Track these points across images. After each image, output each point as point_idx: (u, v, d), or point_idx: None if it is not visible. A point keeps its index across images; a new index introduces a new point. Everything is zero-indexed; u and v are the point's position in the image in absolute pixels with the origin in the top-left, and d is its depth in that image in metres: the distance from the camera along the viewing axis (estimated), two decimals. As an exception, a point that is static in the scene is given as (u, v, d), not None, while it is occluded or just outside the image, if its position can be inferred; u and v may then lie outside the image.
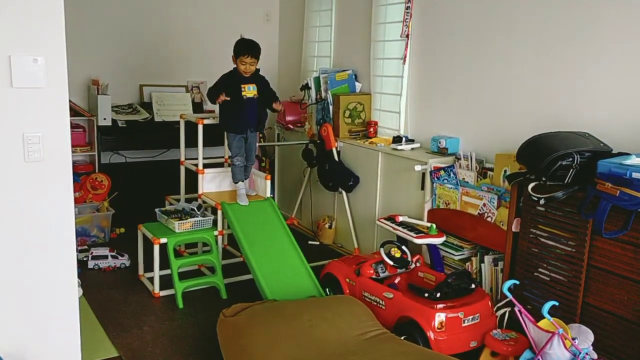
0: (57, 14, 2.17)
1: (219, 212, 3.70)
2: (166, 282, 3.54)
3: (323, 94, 4.49)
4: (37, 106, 2.20)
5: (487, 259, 3.24)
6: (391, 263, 3.18)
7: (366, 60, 4.42)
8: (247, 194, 3.79)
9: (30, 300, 2.34)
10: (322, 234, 4.56)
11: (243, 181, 3.80)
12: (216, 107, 3.99)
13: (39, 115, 2.21)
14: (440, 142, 3.66)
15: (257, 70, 3.72)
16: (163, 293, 3.53)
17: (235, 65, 3.66)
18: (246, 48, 3.61)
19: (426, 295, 2.85)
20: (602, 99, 2.89)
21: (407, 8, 3.97)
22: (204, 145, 3.89)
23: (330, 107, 4.39)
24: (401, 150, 3.81)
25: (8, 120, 2.17)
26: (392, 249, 3.27)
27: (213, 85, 3.74)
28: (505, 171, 3.17)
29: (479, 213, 3.28)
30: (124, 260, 3.96)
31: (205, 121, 3.86)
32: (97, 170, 4.58)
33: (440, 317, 2.71)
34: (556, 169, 2.58)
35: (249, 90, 3.67)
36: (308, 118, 4.68)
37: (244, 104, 3.65)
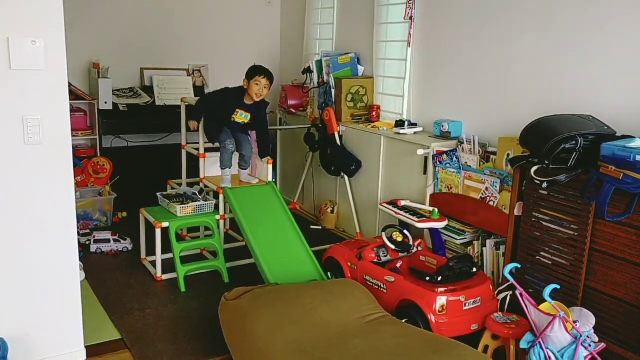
0: (55, -5, 2.15)
1: (221, 197, 3.69)
2: (168, 266, 3.55)
3: (325, 78, 4.46)
4: (37, 89, 2.19)
5: (489, 243, 3.23)
6: (393, 247, 3.18)
7: (369, 43, 4.38)
8: (248, 181, 3.78)
9: (32, 283, 2.35)
10: (324, 218, 4.56)
11: (229, 168, 3.68)
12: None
13: (39, 98, 2.20)
14: (443, 126, 3.63)
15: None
16: (165, 277, 3.54)
17: (242, 85, 3.62)
18: (262, 70, 3.60)
19: (428, 279, 2.85)
20: (606, 82, 2.86)
21: (410, -10, 3.92)
22: (206, 129, 3.87)
23: (333, 91, 4.36)
24: (404, 134, 3.79)
25: (7, 103, 2.16)
26: (394, 233, 3.26)
27: (207, 95, 3.69)
28: (508, 155, 3.15)
29: (481, 197, 3.27)
30: (126, 244, 3.97)
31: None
32: (98, 154, 4.58)
33: (441, 300, 2.72)
34: (559, 152, 2.56)
35: (241, 117, 3.65)
36: (310, 102, 4.65)
37: (230, 125, 3.65)
